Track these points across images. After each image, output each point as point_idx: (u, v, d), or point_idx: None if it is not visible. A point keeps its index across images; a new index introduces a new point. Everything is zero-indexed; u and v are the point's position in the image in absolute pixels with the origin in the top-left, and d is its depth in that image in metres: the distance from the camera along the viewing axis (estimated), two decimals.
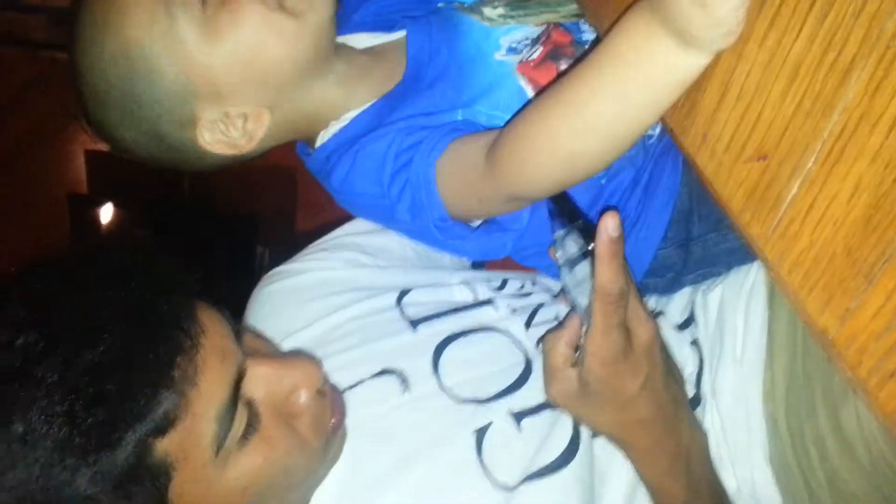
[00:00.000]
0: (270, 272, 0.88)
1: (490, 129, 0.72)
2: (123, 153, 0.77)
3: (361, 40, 0.83)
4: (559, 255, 0.68)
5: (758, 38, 0.46)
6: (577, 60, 0.73)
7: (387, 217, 0.79)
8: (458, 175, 0.70)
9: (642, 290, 0.84)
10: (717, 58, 0.49)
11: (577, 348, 0.67)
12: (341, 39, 0.82)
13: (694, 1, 0.44)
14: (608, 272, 0.61)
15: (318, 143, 0.80)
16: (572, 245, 0.66)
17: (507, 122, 0.65)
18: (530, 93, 0.75)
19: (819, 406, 0.71)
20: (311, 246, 0.91)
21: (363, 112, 0.78)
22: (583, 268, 0.65)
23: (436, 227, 0.74)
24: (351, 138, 0.77)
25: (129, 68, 0.69)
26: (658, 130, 0.81)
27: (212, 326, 0.59)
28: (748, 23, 0.46)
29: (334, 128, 0.79)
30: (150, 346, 0.53)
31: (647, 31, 0.49)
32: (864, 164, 0.41)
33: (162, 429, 0.53)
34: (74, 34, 0.71)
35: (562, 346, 0.67)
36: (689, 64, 0.49)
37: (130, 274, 0.57)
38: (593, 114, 0.56)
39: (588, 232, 0.64)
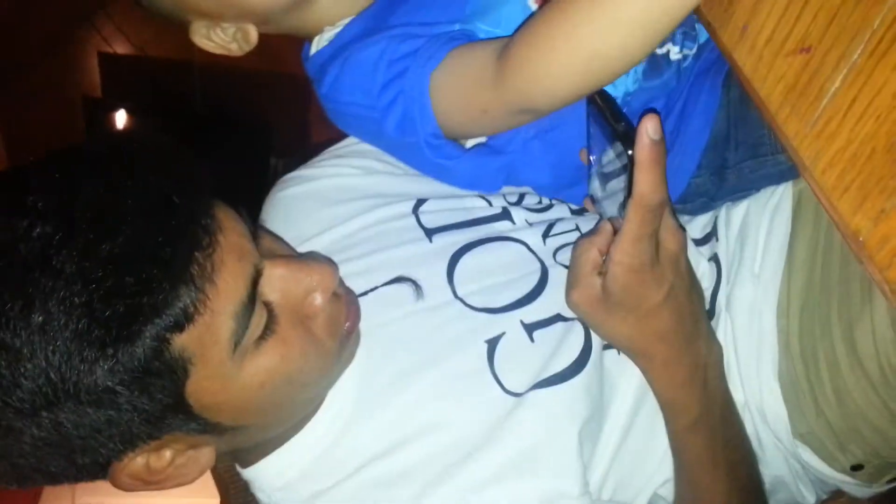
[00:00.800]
0: (284, 177, 0.87)
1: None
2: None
3: None
4: (593, 160, 0.66)
5: None
6: None
7: (373, 131, 0.76)
8: (459, 86, 0.67)
9: None
10: None
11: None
12: None
13: None
14: (649, 179, 0.58)
15: (314, 49, 0.77)
16: (610, 150, 0.62)
17: (520, 26, 0.62)
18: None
19: (834, 323, 0.70)
20: (325, 152, 0.89)
21: (358, 17, 0.75)
22: (619, 175, 0.62)
23: (426, 144, 0.71)
24: (344, 44, 0.74)
25: None
26: (694, 50, 0.77)
27: (229, 225, 0.58)
28: None
29: (329, 34, 0.76)
30: (168, 241, 0.52)
31: None
32: None
33: (180, 324, 0.52)
34: None
35: (593, 252, 0.66)
36: None
37: (150, 167, 0.56)
38: (619, 8, 0.54)
39: (628, 137, 0.59)
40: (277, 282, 0.61)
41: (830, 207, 0.46)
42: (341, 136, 0.90)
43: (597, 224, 0.70)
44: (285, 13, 0.73)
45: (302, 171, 0.87)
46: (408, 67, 0.68)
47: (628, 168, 0.59)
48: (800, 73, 0.47)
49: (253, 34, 0.74)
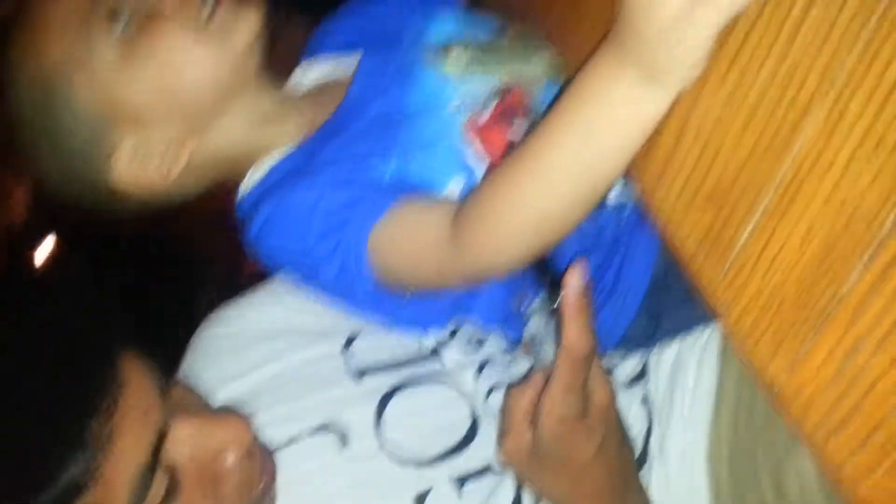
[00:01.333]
0: (212, 315, 0.84)
1: (421, 184, 0.69)
2: (47, 186, 0.73)
3: (318, 67, 0.81)
4: (524, 306, 0.66)
5: (720, 74, 0.46)
6: (531, 124, 0.72)
7: (306, 275, 0.74)
8: (410, 247, 0.66)
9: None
10: (677, 97, 0.48)
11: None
12: (298, 71, 0.81)
13: (662, 32, 0.44)
14: (575, 329, 0.58)
15: (242, 190, 0.76)
16: (538, 301, 0.63)
17: (472, 191, 0.62)
18: (473, 151, 0.72)
19: (762, 468, 0.69)
20: (258, 289, 0.87)
21: (288, 156, 0.74)
22: (548, 324, 0.62)
23: (366, 297, 0.70)
24: (273, 185, 0.72)
25: (47, 94, 0.67)
26: (634, 198, 0.79)
27: (136, 380, 0.54)
28: (709, 59, 0.46)
29: (258, 174, 0.75)
30: (63, 401, 0.49)
31: (613, 67, 0.49)
32: (818, 205, 0.40)
33: (69, 496, 0.47)
34: (2, 57, 0.70)
35: (525, 401, 0.65)
36: (654, 100, 0.48)
37: (55, 313, 0.53)
38: (560, 166, 0.54)
39: (555, 287, 0.60)
40: (185, 442, 0.56)
41: (746, 357, 0.46)
42: (272, 271, 0.88)
43: (529, 370, 0.69)
44: (226, 100, 0.71)
45: (230, 310, 0.84)
46: (347, 220, 0.66)
47: (555, 318, 0.60)
48: (711, 222, 0.48)
49: (185, 148, 0.71)
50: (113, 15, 0.66)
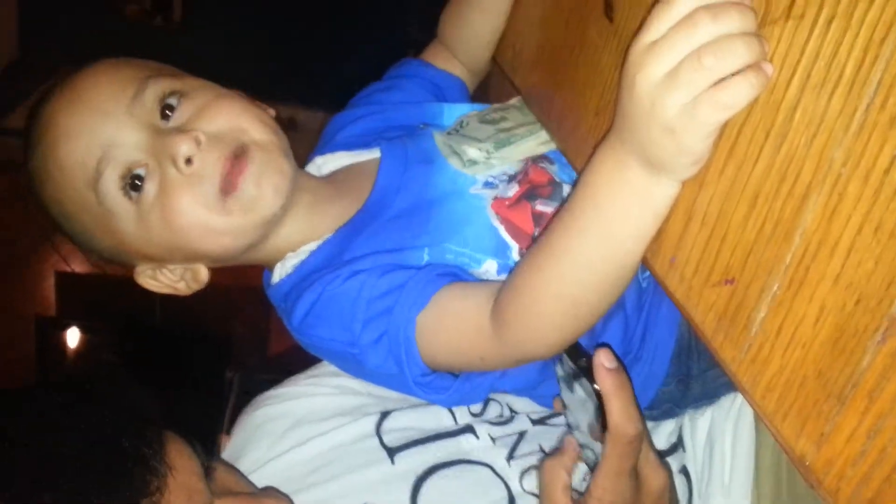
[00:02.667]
0: (259, 396, 0.86)
1: (458, 268, 0.70)
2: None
3: (335, 160, 0.83)
4: (565, 398, 0.67)
5: (718, 168, 0.48)
6: (553, 200, 0.74)
7: (354, 364, 0.75)
8: (453, 335, 0.66)
9: None
10: (681, 186, 0.50)
11: (581, 490, 0.64)
12: (314, 165, 0.83)
13: (664, 129, 0.45)
14: (619, 407, 0.59)
15: (276, 277, 0.76)
16: (577, 385, 0.64)
17: (506, 281, 0.63)
18: (503, 232, 0.73)
19: None
20: (303, 372, 0.89)
21: (322, 245, 0.74)
22: (591, 408, 0.63)
23: (416, 384, 0.70)
24: (309, 274, 0.73)
25: (69, 220, 0.71)
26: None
27: (180, 463, 0.56)
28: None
29: (291, 262, 0.75)
30: (112, 487, 0.51)
31: (619, 163, 0.50)
32: (826, 287, 0.42)
33: None
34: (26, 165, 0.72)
35: (562, 475, 0.65)
36: (661, 192, 0.50)
37: (97, 406, 0.55)
38: (584, 256, 0.55)
39: (590, 372, 0.62)
40: None
41: (775, 431, 0.47)
42: (300, 348, 0.90)
43: (560, 439, 0.70)
44: (242, 254, 0.73)
45: (276, 391, 0.86)
46: (391, 307, 0.67)
47: (596, 402, 0.60)
48: (727, 302, 0.49)
49: (203, 273, 0.75)
50: (133, 181, 0.67)
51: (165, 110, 0.69)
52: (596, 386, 0.60)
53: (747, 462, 0.76)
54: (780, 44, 0.44)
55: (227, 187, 0.67)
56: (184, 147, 0.65)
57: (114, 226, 0.68)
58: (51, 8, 2.72)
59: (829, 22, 0.40)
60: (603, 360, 0.59)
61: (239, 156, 0.67)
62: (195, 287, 0.76)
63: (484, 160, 0.76)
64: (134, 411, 0.57)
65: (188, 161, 0.66)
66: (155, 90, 0.68)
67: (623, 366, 0.61)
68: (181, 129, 0.67)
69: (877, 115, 0.39)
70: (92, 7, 2.82)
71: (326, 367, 0.87)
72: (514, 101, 0.86)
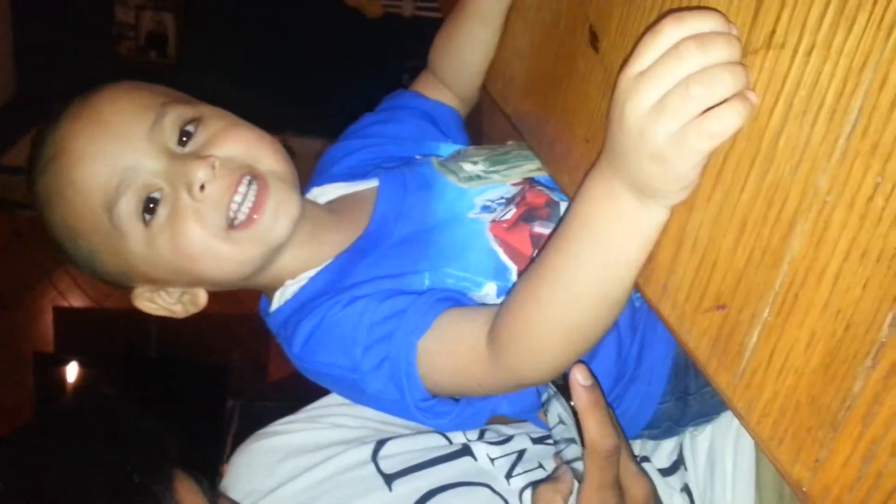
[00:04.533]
0: (259, 431, 0.86)
1: (458, 292, 0.71)
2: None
3: (332, 190, 0.83)
4: (549, 416, 0.67)
5: (706, 194, 0.48)
6: (551, 221, 0.75)
7: (355, 390, 0.75)
8: (452, 360, 0.67)
9: (636, 439, 0.83)
10: (671, 212, 0.51)
11: None
12: (312, 194, 0.84)
13: (653, 157, 0.46)
14: (594, 426, 0.59)
15: (275, 304, 0.76)
16: (557, 403, 0.65)
17: (500, 307, 0.63)
18: (502, 255, 0.74)
19: None
20: (306, 407, 0.89)
21: (321, 272, 0.75)
22: (571, 424, 0.64)
23: (417, 409, 0.70)
24: (309, 300, 0.73)
25: (76, 240, 0.71)
26: None
27: (189, 499, 0.56)
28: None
29: (291, 288, 0.75)
30: None
31: (610, 191, 0.51)
32: (816, 313, 0.42)
33: None
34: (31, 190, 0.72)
35: (557, 501, 0.65)
36: (652, 218, 0.50)
37: (108, 443, 0.55)
38: (577, 283, 0.56)
39: (566, 389, 0.63)
40: None
41: (772, 457, 0.47)
42: (298, 375, 0.89)
43: (555, 470, 0.70)
44: (244, 280, 0.74)
45: (275, 426, 0.86)
46: (392, 333, 0.67)
47: (574, 419, 0.61)
48: (720, 328, 0.50)
49: (202, 297, 0.75)
50: (148, 204, 0.68)
51: (182, 137, 0.70)
52: (572, 403, 0.61)
53: (749, 479, 0.76)
54: (762, 73, 0.44)
55: (247, 221, 0.68)
56: (200, 173, 0.66)
57: (122, 247, 0.69)
58: (47, 46, 2.75)
59: (809, 52, 0.41)
60: (578, 378, 0.60)
61: (258, 187, 0.69)
62: (192, 310, 0.76)
63: (482, 173, 0.77)
64: (145, 447, 0.57)
65: (202, 187, 0.67)
66: (173, 117, 0.69)
67: (597, 382, 0.61)
68: (198, 155, 0.68)
69: (858, 142, 0.39)
70: (87, 44, 2.85)
71: (321, 405, 0.87)
72: (511, 143, 0.87)
